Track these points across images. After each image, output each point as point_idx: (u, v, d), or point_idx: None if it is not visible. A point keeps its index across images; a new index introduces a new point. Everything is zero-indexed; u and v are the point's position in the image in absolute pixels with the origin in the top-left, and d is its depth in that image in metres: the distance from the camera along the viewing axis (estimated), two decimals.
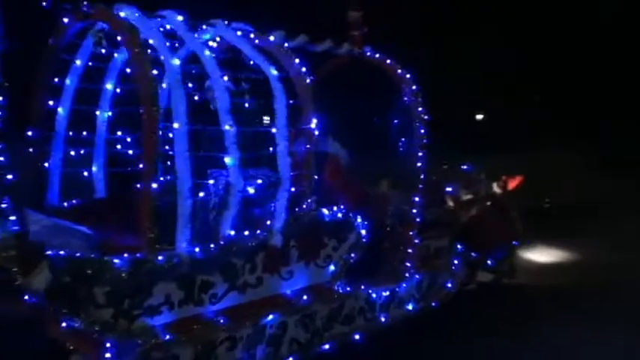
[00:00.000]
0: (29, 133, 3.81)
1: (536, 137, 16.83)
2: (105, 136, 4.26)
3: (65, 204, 4.07)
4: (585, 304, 5.66)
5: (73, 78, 3.96)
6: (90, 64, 4.02)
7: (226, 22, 3.95)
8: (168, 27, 3.68)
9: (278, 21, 4.45)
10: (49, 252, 2.80)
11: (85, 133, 4.12)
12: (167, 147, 3.61)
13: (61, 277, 2.77)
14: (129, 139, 4.31)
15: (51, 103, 3.92)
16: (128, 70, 3.96)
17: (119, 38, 3.45)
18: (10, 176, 2.68)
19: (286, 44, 4.07)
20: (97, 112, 4.17)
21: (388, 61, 4.80)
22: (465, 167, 6.02)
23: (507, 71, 20.01)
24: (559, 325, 5.07)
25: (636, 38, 19.04)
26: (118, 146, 4.29)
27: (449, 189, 5.36)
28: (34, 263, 2.69)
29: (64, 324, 3.14)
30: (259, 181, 3.84)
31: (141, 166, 3.27)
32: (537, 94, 20.77)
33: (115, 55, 4.11)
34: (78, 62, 3.94)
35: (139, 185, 3.35)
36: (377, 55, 4.84)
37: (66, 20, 3.58)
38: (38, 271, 2.69)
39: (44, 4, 3.58)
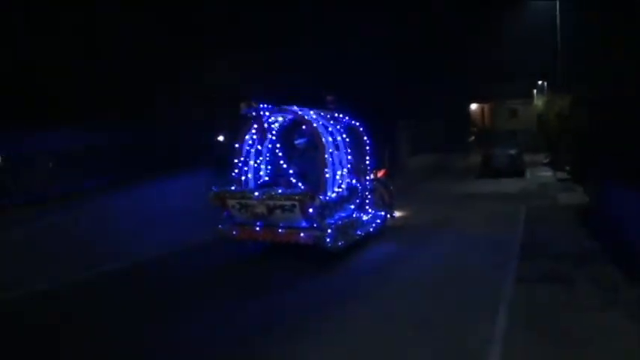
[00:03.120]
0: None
1: None
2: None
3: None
4: (419, 232, 14.74)
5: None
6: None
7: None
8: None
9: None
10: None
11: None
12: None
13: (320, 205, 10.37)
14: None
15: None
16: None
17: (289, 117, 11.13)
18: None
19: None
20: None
21: (346, 118, 12.94)
22: None
23: None
24: (408, 238, 13.76)
25: None
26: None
27: None
28: (313, 196, 10.23)
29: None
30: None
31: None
32: None
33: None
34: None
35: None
36: (341, 115, 12.94)
37: (268, 113, 10.94)
38: (315, 201, 10.24)
39: (246, 111, 10.85)
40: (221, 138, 26.88)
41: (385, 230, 13.72)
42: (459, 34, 37.26)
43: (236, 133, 11.81)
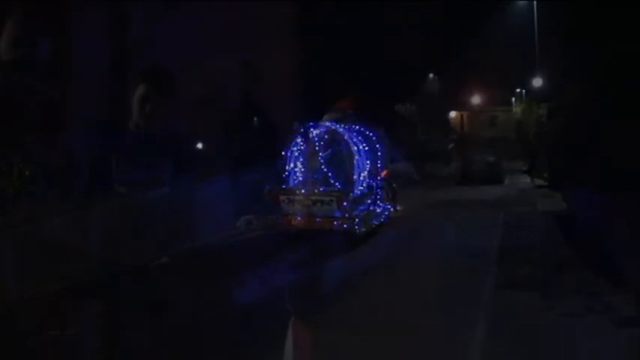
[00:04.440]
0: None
1: None
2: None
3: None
4: (417, 220, 18.65)
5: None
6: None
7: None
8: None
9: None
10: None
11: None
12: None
13: (351, 200, 14.32)
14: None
15: None
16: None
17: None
18: None
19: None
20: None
21: (362, 127, 16.75)
22: None
23: None
24: (407, 226, 17.74)
25: None
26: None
27: None
28: (348, 193, 14.11)
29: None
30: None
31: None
32: None
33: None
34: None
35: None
36: (358, 126, 16.74)
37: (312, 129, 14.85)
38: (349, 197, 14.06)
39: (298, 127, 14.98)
40: (200, 145, 30.07)
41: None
42: (440, 38, 38.34)
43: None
